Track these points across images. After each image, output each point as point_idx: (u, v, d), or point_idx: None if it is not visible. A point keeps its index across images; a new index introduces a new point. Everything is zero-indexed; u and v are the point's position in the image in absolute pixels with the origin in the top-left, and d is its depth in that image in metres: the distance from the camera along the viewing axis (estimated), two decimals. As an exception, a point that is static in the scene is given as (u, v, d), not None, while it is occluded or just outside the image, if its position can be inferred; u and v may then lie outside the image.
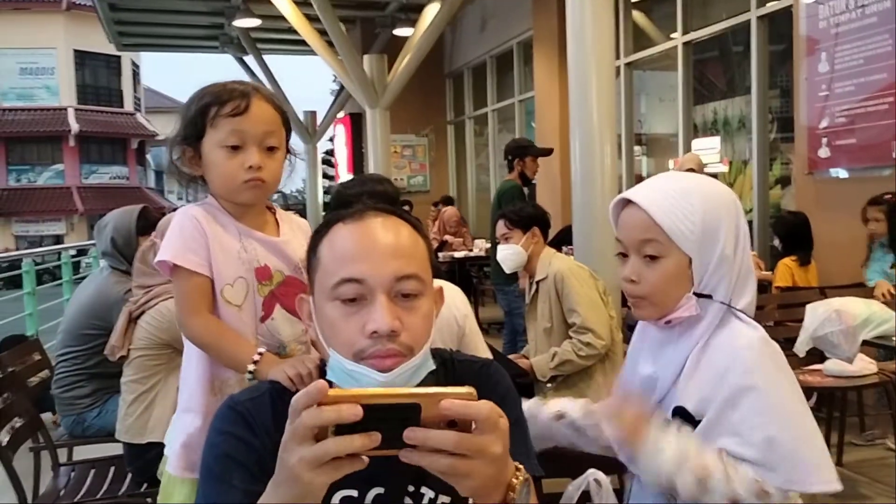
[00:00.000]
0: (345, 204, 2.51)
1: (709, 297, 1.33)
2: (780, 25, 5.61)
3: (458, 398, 0.81)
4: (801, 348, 3.23)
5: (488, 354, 2.47)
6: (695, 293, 1.33)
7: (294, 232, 1.75)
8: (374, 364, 0.99)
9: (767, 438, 1.24)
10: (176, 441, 1.70)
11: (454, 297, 2.42)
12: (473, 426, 0.81)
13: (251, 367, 1.52)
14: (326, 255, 1.07)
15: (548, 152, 5.70)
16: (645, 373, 1.39)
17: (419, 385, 1.02)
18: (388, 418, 0.79)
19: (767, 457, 1.23)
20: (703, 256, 1.31)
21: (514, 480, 0.89)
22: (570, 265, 3.36)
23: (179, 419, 1.72)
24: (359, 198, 2.30)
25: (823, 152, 4.81)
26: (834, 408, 3.75)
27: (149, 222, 3.13)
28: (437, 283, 1.12)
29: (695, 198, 1.32)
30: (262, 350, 1.55)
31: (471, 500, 0.91)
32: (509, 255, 3.42)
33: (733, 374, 1.27)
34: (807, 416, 1.29)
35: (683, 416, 1.30)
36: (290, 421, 0.82)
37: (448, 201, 10.12)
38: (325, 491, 0.82)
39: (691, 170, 5.19)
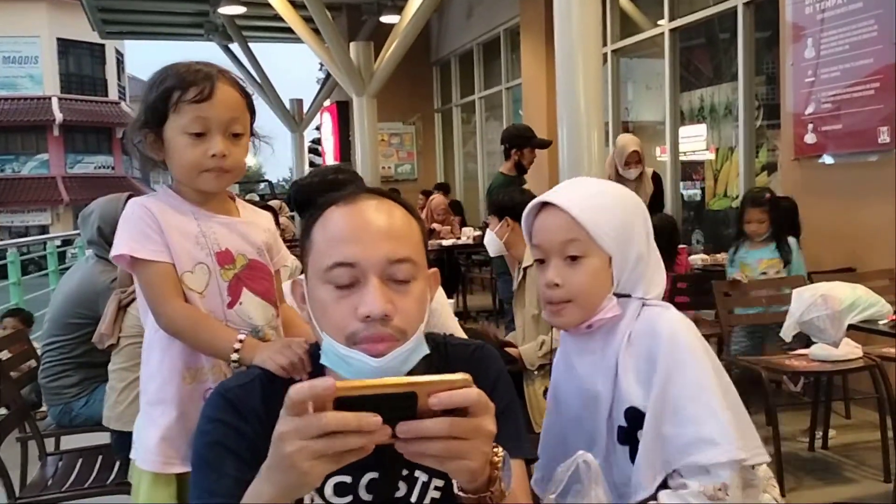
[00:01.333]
0: (306, 199, 2.49)
1: (627, 296, 1.36)
2: (766, 12, 5.61)
3: (454, 385, 0.81)
4: (787, 333, 3.26)
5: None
6: (615, 293, 1.36)
7: (254, 218, 1.72)
8: (367, 349, 0.99)
9: (706, 410, 1.25)
10: (151, 436, 1.61)
11: None
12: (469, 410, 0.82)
13: (234, 357, 1.47)
14: (319, 238, 1.06)
15: (548, 144, 5.42)
16: (584, 388, 1.39)
17: (413, 369, 1.02)
18: (385, 408, 0.79)
19: (708, 430, 1.24)
20: (622, 253, 1.35)
21: (496, 458, 0.91)
22: (558, 251, 3.37)
23: (148, 413, 1.64)
24: (317, 189, 2.30)
25: (810, 138, 4.83)
26: (819, 392, 3.78)
27: (135, 211, 3.10)
28: None
29: (609, 197, 1.38)
30: (242, 336, 1.49)
31: (455, 484, 0.91)
32: (487, 241, 3.54)
33: (662, 357, 1.29)
34: (731, 386, 1.33)
35: (635, 415, 1.31)
36: (288, 410, 0.80)
37: (443, 188, 10.14)
38: (321, 479, 0.81)
39: (636, 152, 5.47)
